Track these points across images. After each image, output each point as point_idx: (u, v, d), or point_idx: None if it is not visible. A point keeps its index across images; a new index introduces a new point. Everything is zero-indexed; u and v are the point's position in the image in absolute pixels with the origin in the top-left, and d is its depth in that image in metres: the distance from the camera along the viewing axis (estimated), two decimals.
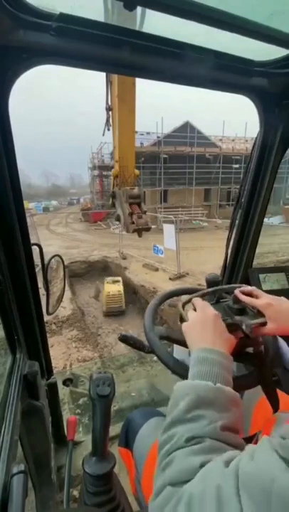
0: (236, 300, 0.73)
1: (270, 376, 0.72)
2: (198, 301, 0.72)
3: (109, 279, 7.59)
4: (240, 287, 0.79)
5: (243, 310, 0.72)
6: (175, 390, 0.53)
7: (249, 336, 0.65)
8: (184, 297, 0.80)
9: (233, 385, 0.54)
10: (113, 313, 6.91)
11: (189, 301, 0.77)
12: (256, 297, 0.72)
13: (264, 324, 0.66)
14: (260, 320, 0.67)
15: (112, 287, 7.04)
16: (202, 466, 0.40)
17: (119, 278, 7.65)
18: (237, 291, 0.73)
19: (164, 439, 0.47)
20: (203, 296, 0.79)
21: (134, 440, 0.98)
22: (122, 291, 7.04)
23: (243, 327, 0.65)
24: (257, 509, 0.31)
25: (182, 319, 0.71)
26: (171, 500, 0.39)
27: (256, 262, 1.49)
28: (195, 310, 0.70)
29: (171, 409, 0.51)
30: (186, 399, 0.49)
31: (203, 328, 0.63)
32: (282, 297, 0.71)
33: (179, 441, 0.45)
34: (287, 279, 1.43)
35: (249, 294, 0.73)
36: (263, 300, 0.69)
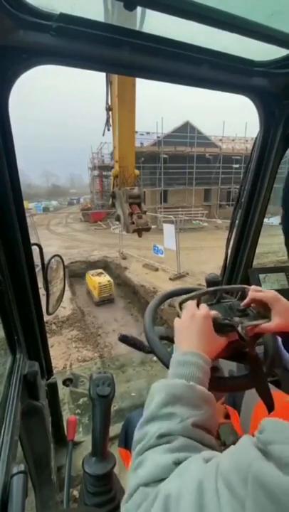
0: (244, 297, 0.73)
1: (265, 378, 0.71)
2: (189, 302, 0.72)
3: (92, 272, 8.23)
4: (241, 288, 0.78)
5: (244, 311, 0.72)
6: (151, 389, 0.54)
7: (243, 338, 0.65)
8: (182, 296, 0.80)
9: (229, 385, 0.54)
10: (104, 302, 7.61)
11: (186, 300, 0.77)
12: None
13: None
14: (257, 322, 0.67)
15: (101, 278, 7.66)
16: (175, 463, 0.40)
17: (101, 270, 8.49)
18: (252, 289, 0.72)
19: (136, 439, 0.47)
20: (202, 296, 0.78)
21: None
22: (112, 280, 7.72)
23: (239, 328, 0.65)
24: (235, 500, 0.30)
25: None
26: (144, 501, 0.37)
27: (256, 262, 1.49)
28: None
29: (146, 407, 0.51)
30: (159, 396, 0.49)
31: (188, 330, 0.63)
32: (277, 293, 0.70)
33: (151, 439, 0.44)
34: (287, 279, 1.43)
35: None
36: (270, 293, 0.68)
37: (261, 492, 0.29)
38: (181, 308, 0.74)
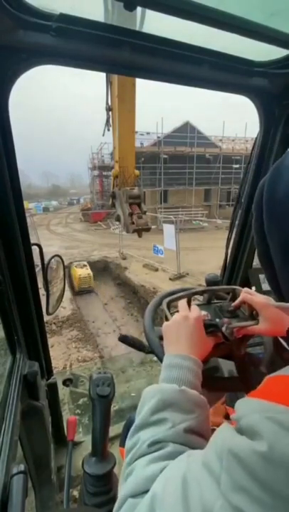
0: (233, 299, 0.73)
1: (250, 378, 0.71)
2: (181, 303, 0.71)
3: (77, 263, 8.78)
4: (231, 289, 0.79)
5: (234, 312, 0.72)
6: (143, 394, 0.53)
7: (228, 338, 0.65)
8: (171, 296, 0.79)
9: (217, 386, 0.54)
10: (83, 292, 8.28)
11: (174, 300, 0.76)
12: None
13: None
14: (245, 323, 0.67)
15: (82, 271, 8.27)
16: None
17: (86, 262, 8.95)
18: (244, 291, 0.72)
19: (128, 447, 0.46)
20: (191, 296, 0.78)
21: None
22: (91, 274, 8.32)
23: (223, 328, 0.65)
24: (212, 478, 0.31)
25: (167, 319, 0.70)
26: None
27: (256, 263, 1.49)
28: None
29: (138, 413, 0.50)
30: (151, 402, 0.49)
31: (179, 332, 0.62)
32: (270, 297, 0.70)
33: (142, 447, 0.44)
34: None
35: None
36: (260, 299, 0.68)
37: (234, 463, 0.30)
38: (169, 308, 0.74)
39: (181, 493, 0.33)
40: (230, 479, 0.29)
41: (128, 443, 0.47)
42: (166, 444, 0.43)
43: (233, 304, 0.72)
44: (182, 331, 0.62)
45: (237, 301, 0.71)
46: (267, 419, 0.30)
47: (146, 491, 0.38)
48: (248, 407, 0.34)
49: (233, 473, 0.29)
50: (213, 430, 0.41)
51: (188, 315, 0.65)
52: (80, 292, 8.21)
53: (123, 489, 0.41)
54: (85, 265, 8.68)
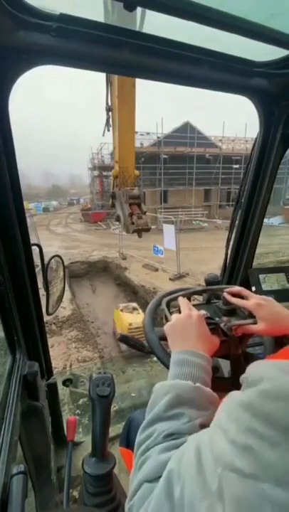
0: (226, 302, 0.73)
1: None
2: (183, 301, 0.72)
3: (123, 306, 5.70)
4: (228, 288, 0.79)
5: (233, 311, 0.72)
6: (155, 390, 0.53)
7: (226, 333, 0.65)
8: (170, 296, 0.79)
9: (216, 386, 0.54)
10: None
11: (173, 299, 0.77)
12: (245, 298, 0.72)
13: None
14: (244, 321, 0.67)
15: (133, 318, 5.20)
16: None
17: (135, 304, 5.84)
18: (225, 293, 0.73)
19: (142, 438, 0.47)
20: (190, 295, 0.78)
21: None
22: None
23: (222, 325, 0.66)
24: (225, 436, 0.33)
25: (166, 319, 0.71)
26: (150, 495, 0.37)
27: (256, 263, 1.49)
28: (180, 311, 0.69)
29: (151, 408, 0.50)
30: (166, 397, 0.49)
31: (185, 330, 0.63)
32: (270, 297, 0.70)
33: (157, 438, 0.44)
34: (287, 279, 1.43)
35: (238, 294, 0.73)
36: (252, 301, 0.69)
37: (240, 410, 0.33)
38: (169, 308, 0.75)
39: (196, 461, 0.34)
40: (237, 424, 0.32)
41: (140, 436, 0.47)
42: (183, 435, 0.44)
43: (226, 303, 0.73)
44: (188, 328, 0.63)
45: (232, 302, 0.72)
46: (270, 366, 0.35)
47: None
48: (257, 366, 0.38)
49: (239, 419, 0.32)
50: None
51: (191, 313, 0.66)
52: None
53: (138, 477, 0.42)
54: (135, 308, 5.56)
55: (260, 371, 0.35)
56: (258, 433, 0.29)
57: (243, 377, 0.38)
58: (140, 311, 5.48)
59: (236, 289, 0.74)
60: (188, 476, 0.33)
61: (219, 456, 0.31)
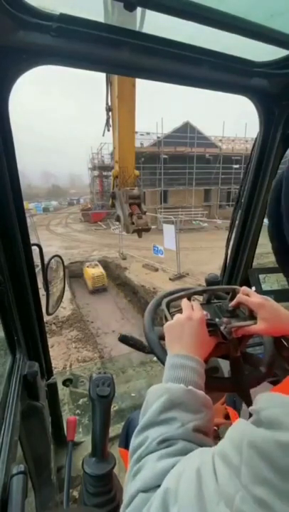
0: (232, 299, 0.73)
1: (243, 379, 0.71)
2: (185, 302, 0.71)
3: (88, 263, 9.15)
4: (231, 288, 0.79)
5: (233, 312, 0.72)
6: (148, 393, 0.53)
7: (226, 337, 0.65)
8: (170, 296, 0.79)
9: (216, 386, 0.54)
10: (98, 290, 8.52)
11: (173, 300, 0.76)
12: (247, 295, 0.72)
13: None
14: (244, 323, 0.67)
15: (95, 270, 8.59)
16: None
17: (97, 262, 9.35)
18: (241, 294, 0.72)
19: (135, 444, 0.46)
20: (192, 296, 0.78)
21: None
22: (104, 272, 8.57)
23: (222, 328, 0.65)
24: (231, 471, 0.31)
25: (166, 319, 0.70)
26: (145, 506, 0.37)
27: (256, 263, 1.49)
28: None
29: (144, 412, 0.50)
30: (158, 401, 0.48)
31: (182, 331, 0.62)
32: (268, 297, 0.70)
33: (151, 445, 0.44)
34: (287, 279, 1.43)
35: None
36: (256, 299, 0.69)
37: (255, 455, 0.30)
38: (168, 308, 0.74)
39: (196, 486, 0.33)
40: (252, 471, 0.29)
41: (134, 442, 0.47)
42: (176, 441, 0.43)
43: (231, 304, 0.72)
44: (186, 331, 0.62)
45: (234, 301, 0.72)
46: (286, 406, 0.31)
47: (158, 486, 0.38)
48: (270, 400, 0.35)
49: (254, 465, 0.29)
50: (214, 430, 0.41)
51: (191, 315, 0.65)
52: (95, 291, 8.45)
53: (133, 486, 0.41)
54: (96, 264, 8.95)
55: (276, 414, 0.32)
56: (276, 488, 0.27)
57: (253, 410, 0.35)
58: (100, 265, 8.92)
59: (246, 290, 0.74)
60: (186, 500, 0.33)
61: (226, 493, 0.30)
